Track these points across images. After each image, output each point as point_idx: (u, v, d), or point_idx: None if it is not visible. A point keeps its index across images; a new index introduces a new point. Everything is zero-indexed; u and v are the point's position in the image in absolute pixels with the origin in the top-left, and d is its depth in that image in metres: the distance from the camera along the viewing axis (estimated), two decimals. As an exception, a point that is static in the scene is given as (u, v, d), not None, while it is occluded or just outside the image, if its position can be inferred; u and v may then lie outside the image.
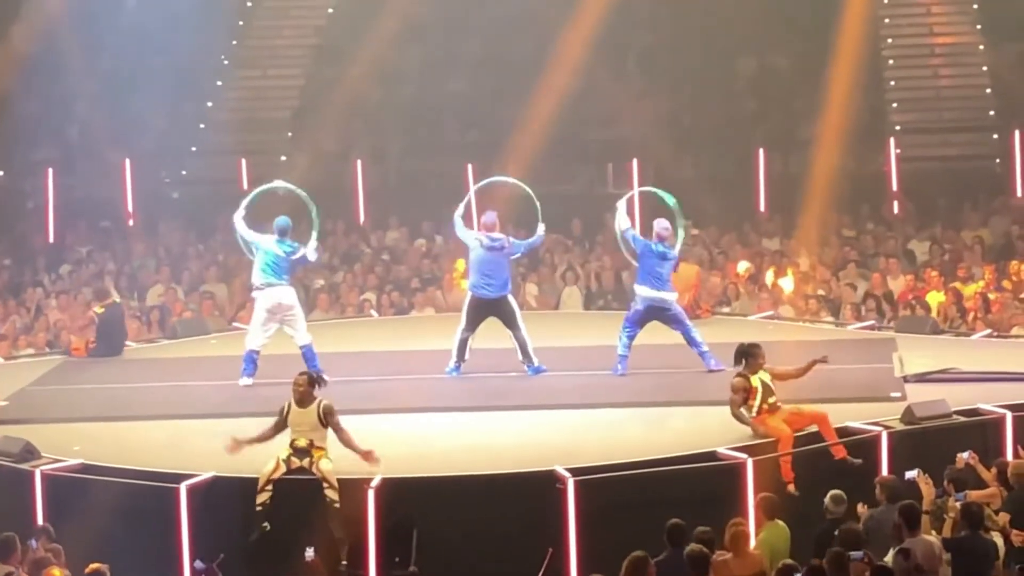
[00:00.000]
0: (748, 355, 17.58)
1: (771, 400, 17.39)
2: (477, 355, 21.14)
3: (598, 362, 21.33)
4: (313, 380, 16.81)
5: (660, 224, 20.56)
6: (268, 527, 16.28)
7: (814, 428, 17.43)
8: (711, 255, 27.69)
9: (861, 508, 15.83)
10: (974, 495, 15.82)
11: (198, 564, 15.71)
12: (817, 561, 14.04)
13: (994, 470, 16.49)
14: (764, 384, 17.39)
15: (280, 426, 16.70)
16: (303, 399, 16.67)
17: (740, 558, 14.63)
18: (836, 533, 14.92)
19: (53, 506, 16.97)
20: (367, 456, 16.58)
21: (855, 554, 14.53)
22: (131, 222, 30.59)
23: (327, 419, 16.58)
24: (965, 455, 16.64)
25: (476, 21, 31.98)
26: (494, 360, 21.22)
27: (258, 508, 16.37)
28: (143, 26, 29.80)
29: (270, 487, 16.42)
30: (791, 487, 16.66)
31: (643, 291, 20.55)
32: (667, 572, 14.15)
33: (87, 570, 14.62)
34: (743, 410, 17.36)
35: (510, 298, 21.02)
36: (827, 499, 15.75)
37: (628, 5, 30.53)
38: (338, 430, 16.62)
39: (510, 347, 21.07)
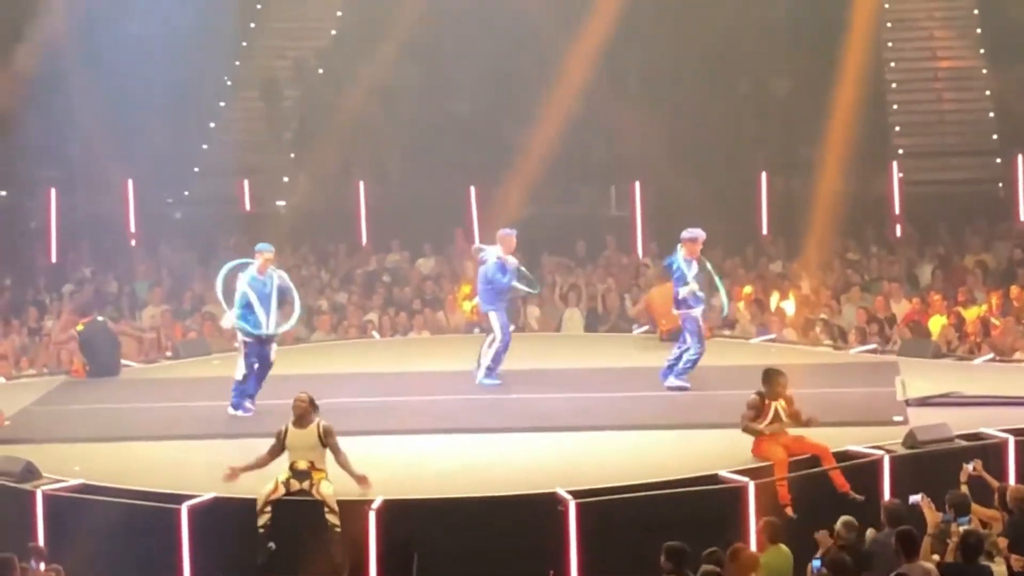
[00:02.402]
0: (769, 380, 17.73)
1: (778, 428, 17.49)
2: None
3: (598, 385, 21.38)
4: (312, 402, 16.84)
5: None
6: (274, 547, 16.31)
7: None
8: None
9: (870, 533, 15.88)
10: (977, 512, 15.88)
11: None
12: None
13: (996, 496, 16.55)
14: (776, 411, 17.50)
15: (277, 450, 16.68)
16: (302, 419, 16.68)
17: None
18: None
19: (54, 526, 16.98)
20: (361, 481, 16.62)
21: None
22: (133, 242, 30.63)
23: (326, 439, 16.59)
24: (970, 466, 16.71)
25: (477, 42, 32.01)
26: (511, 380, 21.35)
27: (260, 530, 16.39)
28: (145, 46, 29.82)
29: (269, 508, 16.43)
30: (788, 510, 16.71)
31: None
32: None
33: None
34: (754, 425, 17.50)
35: (489, 315, 21.26)
36: (839, 524, 15.75)
37: (630, 26, 30.60)
38: (336, 451, 16.63)
39: (511, 368, 21.21)
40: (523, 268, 21.81)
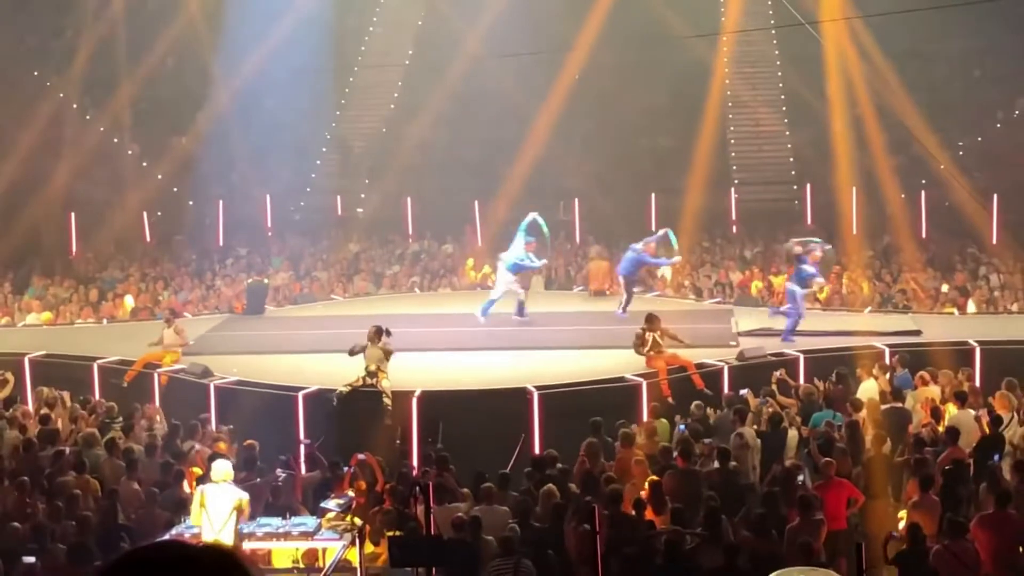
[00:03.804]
0: (649, 320, 17.78)
1: (658, 349, 17.54)
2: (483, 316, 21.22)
3: (552, 321, 21.41)
4: (380, 330, 16.87)
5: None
6: (335, 403, 16.29)
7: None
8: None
9: (711, 412, 15.96)
10: (781, 400, 15.98)
11: (304, 441, 15.77)
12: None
13: (793, 391, 16.64)
14: (655, 339, 17.55)
15: (358, 351, 16.72)
16: (373, 340, 16.75)
17: (648, 441, 14.80)
18: (693, 430, 15.08)
19: (221, 405, 17.07)
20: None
21: (706, 440, 14.64)
22: (269, 233, 30.65)
23: (387, 354, 16.69)
24: (777, 372, 16.82)
25: (481, 113, 31.97)
26: (499, 318, 21.29)
27: (337, 392, 16.47)
28: (278, 112, 29.80)
29: (349, 386, 16.49)
30: (669, 399, 16.78)
31: None
32: (593, 451, 14.26)
33: (244, 444, 14.67)
34: (640, 348, 17.49)
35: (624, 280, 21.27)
36: (693, 406, 15.87)
37: (574, 104, 30.60)
38: (389, 356, 16.73)
39: (502, 311, 21.17)
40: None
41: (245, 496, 11.86)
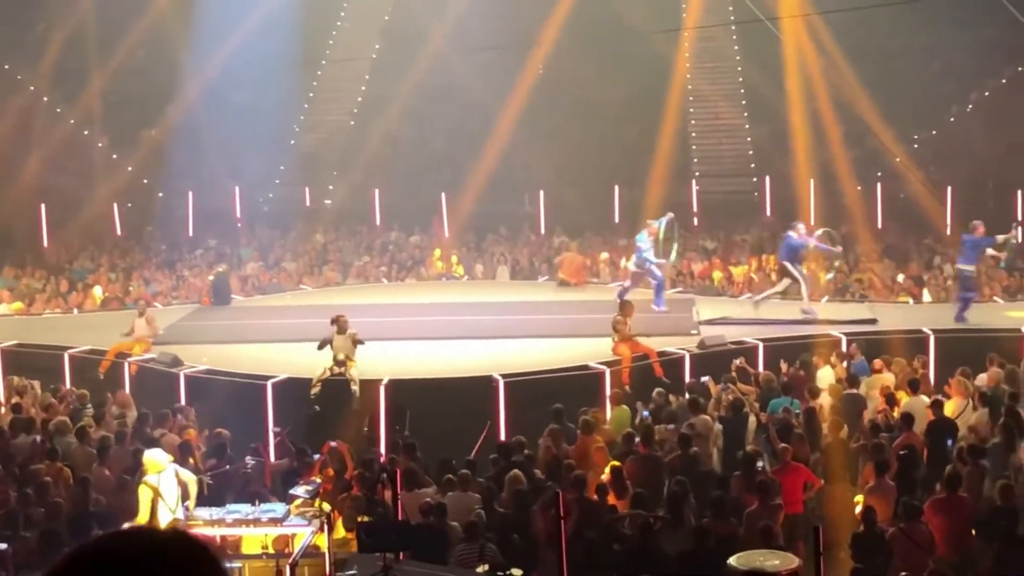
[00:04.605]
0: (622, 307, 17.84)
1: (628, 335, 17.58)
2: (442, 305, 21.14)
3: (518, 311, 21.38)
4: (343, 319, 16.80)
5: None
6: (318, 408, 16.28)
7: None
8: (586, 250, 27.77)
9: (673, 398, 15.97)
10: (740, 388, 16.01)
11: (275, 429, 15.68)
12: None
13: (752, 378, 16.68)
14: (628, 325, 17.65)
15: (326, 344, 16.65)
16: (341, 330, 16.67)
17: (601, 428, 14.79)
18: (653, 415, 15.11)
19: (191, 395, 16.94)
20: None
21: (668, 426, 14.66)
22: (239, 224, 30.45)
23: (356, 341, 16.61)
24: (737, 361, 16.85)
25: (447, 106, 31.91)
26: (465, 308, 21.21)
27: (312, 396, 16.38)
28: (247, 107, 29.60)
29: (319, 384, 16.42)
30: (627, 386, 16.79)
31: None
32: (555, 437, 14.27)
33: (215, 431, 14.57)
34: (620, 330, 17.53)
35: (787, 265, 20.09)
36: (654, 393, 15.87)
37: (537, 97, 30.56)
38: (357, 344, 16.64)
39: (469, 300, 21.11)
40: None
41: (182, 470, 12.08)
